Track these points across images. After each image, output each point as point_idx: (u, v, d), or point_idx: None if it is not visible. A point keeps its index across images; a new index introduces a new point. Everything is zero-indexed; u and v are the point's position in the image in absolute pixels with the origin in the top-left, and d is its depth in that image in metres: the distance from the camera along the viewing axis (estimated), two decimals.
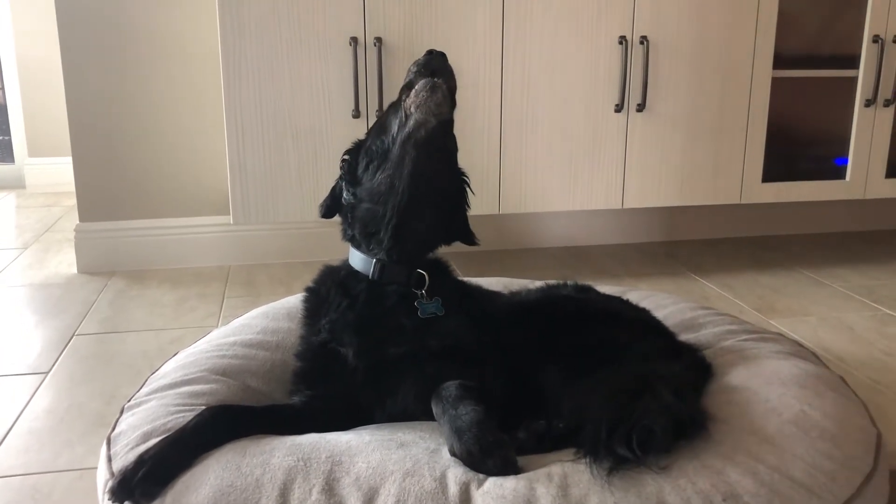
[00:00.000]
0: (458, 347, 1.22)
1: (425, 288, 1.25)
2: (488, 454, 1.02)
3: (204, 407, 1.20)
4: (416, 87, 1.18)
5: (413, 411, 1.18)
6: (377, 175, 1.23)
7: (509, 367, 1.24)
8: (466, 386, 1.11)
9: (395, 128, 1.21)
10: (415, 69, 1.21)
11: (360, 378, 1.21)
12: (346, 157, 1.33)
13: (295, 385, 1.29)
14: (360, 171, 1.28)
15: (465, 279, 1.61)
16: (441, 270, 1.32)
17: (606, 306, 1.43)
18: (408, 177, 1.19)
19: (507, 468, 1.02)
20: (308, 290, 1.35)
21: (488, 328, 1.29)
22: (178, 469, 1.06)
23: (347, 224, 1.31)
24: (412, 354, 1.20)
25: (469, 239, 1.35)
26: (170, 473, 1.05)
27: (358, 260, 1.28)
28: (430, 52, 1.22)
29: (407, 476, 1.02)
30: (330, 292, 1.29)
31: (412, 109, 1.17)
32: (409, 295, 1.24)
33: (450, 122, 1.22)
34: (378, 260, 1.25)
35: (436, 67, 1.20)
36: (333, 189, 1.36)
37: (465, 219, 1.35)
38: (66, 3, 2.55)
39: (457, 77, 1.22)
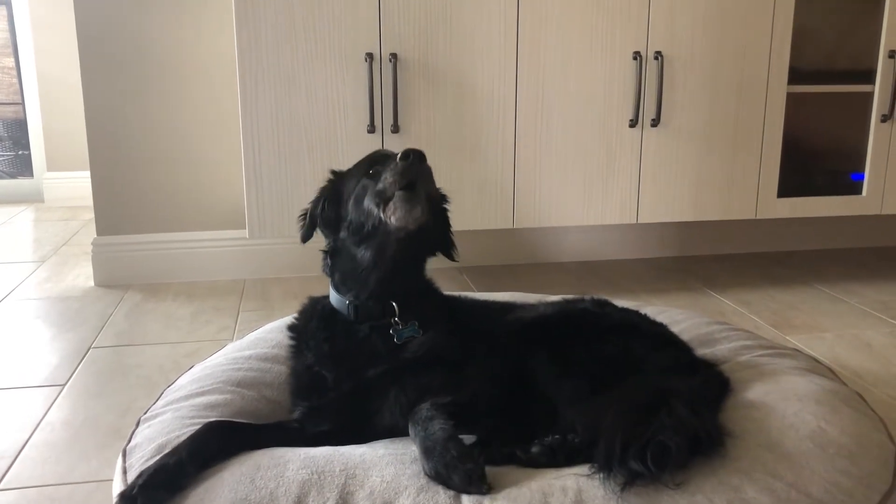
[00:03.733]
0: (436, 356, 1.24)
1: (397, 315, 1.26)
2: (453, 470, 1.02)
3: (215, 419, 1.22)
4: (394, 200, 1.18)
5: (403, 426, 1.18)
6: (361, 248, 1.25)
7: (524, 379, 1.24)
8: (438, 404, 1.13)
9: (375, 219, 1.21)
10: (391, 178, 1.19)
11: (345, 403, 1.23)
12: (323, 199, 1.34)
13: (293, 403, 1.31)
14: (341, 228, 1.29)
15: (477, 293, 1.61)
16: (424, 292, 1.34)
17: (624, 320, 1.43)
18: (390, 260, 1.25)
19: (472, 483, 1.01)
20: (290, 327, 1.38)
21: (474, 340, 1.30)
22: (175, 480, 1.07)
23: (326, 264, 1.33)
24: (390, 371, 1.22)
25: (450, 254, 1.38)
26: (167, 485, 1.06)
27: (335, 300, 1.31)
28: (408, 156, 1.19)
29: (421, 491, 1.02)
30: (311, 325, 1.32)
31: (391, 220, 1.19)
32: (385, 325, 1.27)
33: (428, 223, 1.23)
34: (351, 303, 1.28)
35: (413, 177, 1.18)
36: (311, 214, 1.36)
37: (448, 237, 1.38)
38: (87, 22, 2.59)
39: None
